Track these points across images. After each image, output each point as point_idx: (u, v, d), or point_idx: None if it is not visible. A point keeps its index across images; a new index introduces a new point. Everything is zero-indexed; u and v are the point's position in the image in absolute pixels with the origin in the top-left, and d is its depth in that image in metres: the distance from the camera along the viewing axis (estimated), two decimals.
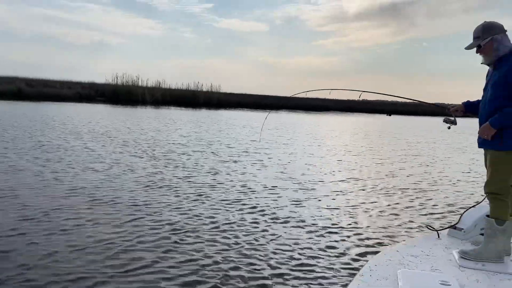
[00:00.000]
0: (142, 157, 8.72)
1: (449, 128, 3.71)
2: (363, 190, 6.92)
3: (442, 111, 3.82)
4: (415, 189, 7.21)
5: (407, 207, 5.91)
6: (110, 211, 4.91)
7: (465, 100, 3.68)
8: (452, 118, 3.63)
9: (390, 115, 47.39)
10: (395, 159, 10.96)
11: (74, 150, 9.12)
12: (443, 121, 3.67)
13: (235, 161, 8.96)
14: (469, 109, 3.58)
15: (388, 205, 6.00)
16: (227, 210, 5.24)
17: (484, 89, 3.38)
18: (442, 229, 3.77)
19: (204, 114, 27.77)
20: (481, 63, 3.32)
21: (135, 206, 5.19)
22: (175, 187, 6.27)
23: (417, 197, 6.56)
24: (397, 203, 6.11)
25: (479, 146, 3.36)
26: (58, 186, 5.92)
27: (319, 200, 6.01)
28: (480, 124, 3.29)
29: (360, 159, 10.62)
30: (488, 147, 3.22)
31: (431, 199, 6.50)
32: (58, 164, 7.47)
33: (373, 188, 7.10)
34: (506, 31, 3.19)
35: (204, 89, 44.49)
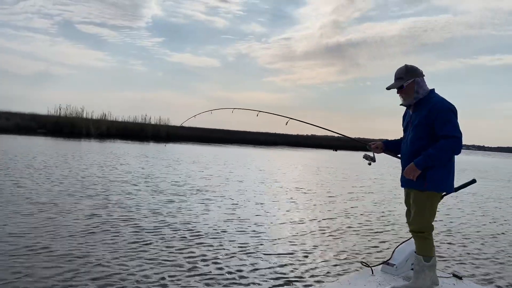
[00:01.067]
0: (81, 197, 8.07)
1: (369, 164, 3.70)
2: (316, 232, 6.71)
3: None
4: (367, 229, 7.11)
5: (362, 248, 5.75)
6: (41, 261, 4.34)
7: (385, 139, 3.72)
8: (372, 155, 3.65)
9: (336, 150, 48.60)
10: (346, 197, 10.96)
11: (3, 189, 8.29)
12: (363, 157, 3.69)
13: (181, 201, 8.52)
14: (388, 147, 3.66)
15: (337, 247, 5.81)
16: (169, 260, 4.80)
17: (404, 130, 3.48)
18: (376, 265, 3.79)
19: (151, 148, 26.96)
20: (400, 105, 3.42)
21: (69, 255, 4.64)
22: (115, 232, 5.74)
23: (367, 236, 6.44)
24: (349, 244, 5.93)
25: (403, 186, 3.41)
26: None
27: (270, 245, 5.71)
28: (403, 163, 3.36)
29: (312, 197, 10.50)
30: (412, 187, 3.27)
31: (383, 241, 6.39)
32: None
33: (325, 229, 6.92)
34: (424, 75, 3.33)
35: (152, 122, 43.70)
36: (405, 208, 3.51)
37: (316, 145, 53.37)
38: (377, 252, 5.74)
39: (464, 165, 32.57)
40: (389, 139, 3.71)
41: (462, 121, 3.19)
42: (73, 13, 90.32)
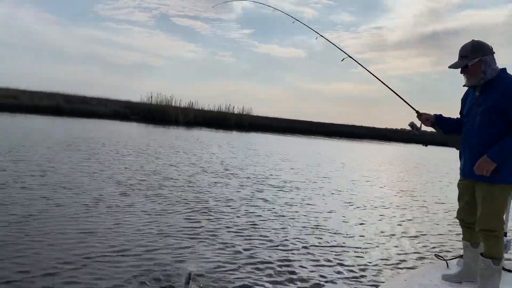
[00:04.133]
0: (162, 190, 7.66)
1: (411, 133, 3.53)
2: (395, 227, 5.56)
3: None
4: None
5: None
6: (113, 266, 3.80)
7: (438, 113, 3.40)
8: (419, 126, 3.45)
9: (426, 145, 45.18)
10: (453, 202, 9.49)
11: (81, 182, 8.17)
12: (408, 125, 3.50)
13: (270, 200, 7.76)
14: (439, 123, 3.37)
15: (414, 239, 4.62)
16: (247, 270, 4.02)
17: (466, 114, 3.12)
18: (451, 259, 3.65)
19: (234, 137, 26.81)
20: (464, 85, 3.11)
21: (139, 259, 4.07)
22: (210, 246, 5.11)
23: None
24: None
25: (466, 177, 3.07)
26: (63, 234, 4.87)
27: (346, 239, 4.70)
28: (468, 151, 3.02)
29: (419, 204, 9.21)
30: (481, 179, 2.90)
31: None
32: (64, 192, 6.48)
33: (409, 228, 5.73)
34: (494, 53, 2.98)
35: (236, 111, 43.87)
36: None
37: (404, 140, 50.10)
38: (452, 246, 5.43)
39: None
40: (444, 115, 3.41)
41: None
42: (169, 7, 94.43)
